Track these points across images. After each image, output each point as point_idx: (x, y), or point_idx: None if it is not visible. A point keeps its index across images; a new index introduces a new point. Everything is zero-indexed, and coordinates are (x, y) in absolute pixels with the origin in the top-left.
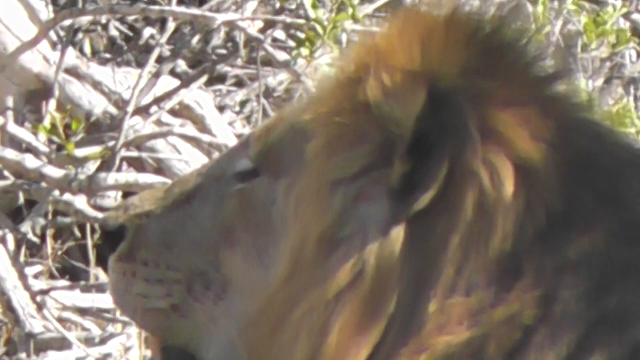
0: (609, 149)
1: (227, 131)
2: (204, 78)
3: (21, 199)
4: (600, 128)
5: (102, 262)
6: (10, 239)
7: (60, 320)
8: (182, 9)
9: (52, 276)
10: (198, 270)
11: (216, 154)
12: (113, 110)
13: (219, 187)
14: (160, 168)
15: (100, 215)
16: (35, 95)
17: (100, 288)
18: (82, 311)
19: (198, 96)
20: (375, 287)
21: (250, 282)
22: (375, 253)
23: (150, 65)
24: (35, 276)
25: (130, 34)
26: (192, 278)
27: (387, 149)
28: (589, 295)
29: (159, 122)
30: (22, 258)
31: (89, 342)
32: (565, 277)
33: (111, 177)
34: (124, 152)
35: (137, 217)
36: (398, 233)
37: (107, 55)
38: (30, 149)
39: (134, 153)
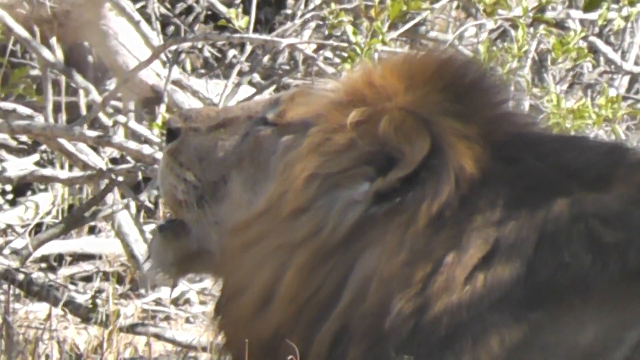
0: (522, 137)
1: None
2: (273, 87)
3: (140, 176)
4: (521, 132)
5: None
6: (132, 205)
7: None
8: (257, 35)
9: None
10: (213, 181)
11: None
12: None
13: (247, 124)
14: None
15: None
16: (150, 101)
17: None
18: None
19: None
20: (327, 245)
21: (241, 200)
22: (334, 220)
23: (233, 78)
24: (151, 232)
25: (219, 55)
26: (207, 188)
27: (370, 157)
28: (490, 223)
29: None
30: (141, 219)
31: (191, 279)
32: (473, 217)
33: None
34: None
35: (189, 128)
36: (361, 213)
37: (202, 71)
38: (147, 141)
39: None
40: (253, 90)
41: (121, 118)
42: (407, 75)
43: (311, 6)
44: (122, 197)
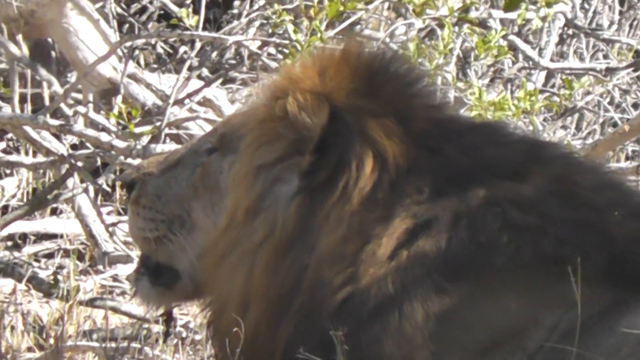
0: (442, 126)
1: None
2: (220, 80)
3: (99, 162)
4: (440, 119)
5: None
6: (91, 189)
7: (126, 243)
8: (206, 33)
9: (119, 213)
10: (177, 214)
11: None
12: (159, 102)
13: (194, 158)
14: None
15: None
16: (107, 92)
17: None
18: None
19: (216, 93)
20: (282, 239)
21: (207, 225)
22: (282, 216)
23: (184, 72)
24: (108, 213)
25: (171, 51)
26: (173, 220)
27: (298, 145)
28: (415, 204)
29: (190, 110)
30: (99, 201)
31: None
32: (402, 201)
33: (159, 147)
34: (167, 130)
35: (143, 175)
36: (300, 201)
37: (155, 66)
38: (104, 129)
39: (174, 131)
40: (202, 83)
41: (81, 108)
42: (320, 67)
43: (256, 6)
44: (82, 181)
